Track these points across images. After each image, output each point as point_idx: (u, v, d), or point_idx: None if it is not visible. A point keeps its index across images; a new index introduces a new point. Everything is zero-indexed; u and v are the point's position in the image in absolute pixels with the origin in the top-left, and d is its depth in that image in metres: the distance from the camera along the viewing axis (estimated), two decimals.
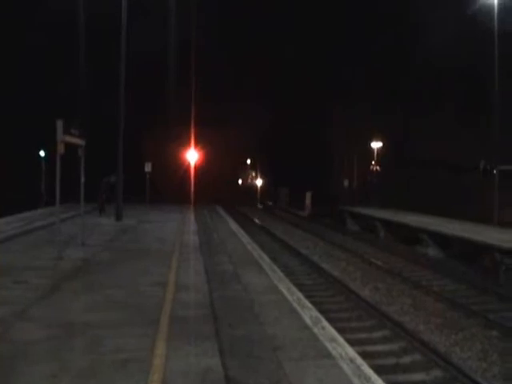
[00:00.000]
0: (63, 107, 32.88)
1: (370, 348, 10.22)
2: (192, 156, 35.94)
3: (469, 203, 27.64)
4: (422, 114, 39.03)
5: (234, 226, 25.76)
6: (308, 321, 8.82)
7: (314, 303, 10.81)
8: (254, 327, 8.33)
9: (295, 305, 9.96)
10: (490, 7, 27.09)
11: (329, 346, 7.55)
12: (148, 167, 30.81)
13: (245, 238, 20.86)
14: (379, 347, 10.49)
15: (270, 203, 56.48)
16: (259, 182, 63.60)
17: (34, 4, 41.24)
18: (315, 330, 8.29)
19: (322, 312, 10.02)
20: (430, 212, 29.19)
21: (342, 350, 7.45)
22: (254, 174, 71.96)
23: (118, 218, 24.48)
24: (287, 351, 7.21)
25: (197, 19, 43.89)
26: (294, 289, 11.65)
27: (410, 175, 35.75)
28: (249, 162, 75.72)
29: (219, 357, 6.81)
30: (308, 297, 11.61)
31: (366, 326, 11.98)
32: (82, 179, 15.95)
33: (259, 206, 53.71)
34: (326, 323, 8.83)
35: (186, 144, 36.64)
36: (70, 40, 40.20)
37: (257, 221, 34.38)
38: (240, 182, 76.61)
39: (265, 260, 15.49)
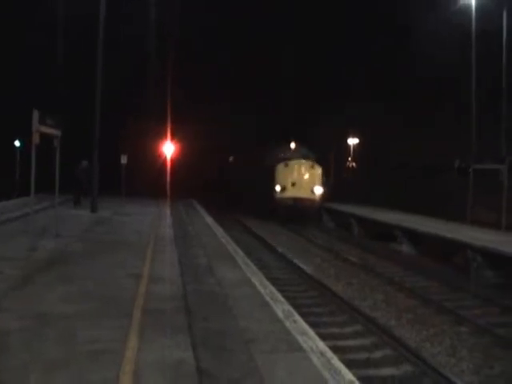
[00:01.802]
0: (40, 97, 32.61)
1: (341, 343, 10.33)
2: (169, 149, 35.76)
3: (446, 202, 27.91)
4: (400, 112, 39.51)
5: (208, 219, 25.76)
6: (280, 314, 8.89)
7: (286, 297, 10.87)
8: (227, 320, 8.37)
9: (268, 298, 10.02)
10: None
11: (300, 339, 7.63)
12: (124, 159, 30.61)
13: (219, 231, 20.87)
14: (350, 342, 10.60)
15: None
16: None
17: None
18: (287, 324, 8.36)
19: (294, 306, 10.09)
20: (407, 210, 29.46)
21: (313, 343, 7.53)
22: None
23: (93, 209, 24.32)
24: (259, 344, 7.27)
25: (179, 14, 43.59)
26: (266, 283, 11.70)
27: (387, 173, 35.98)
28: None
29: (192, 349, 6.86)
30: (281, 291, 11.67)
31: (338, 320, 12.09)
32: (57, 170, 15.86)
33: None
34: (298, 317, 8.92)
35: (164, 137, 36.45)
36: (47, 30, 39.98)
37: (232, 215, 34.27)
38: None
39: (239, 254, 15.53)
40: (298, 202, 30.48)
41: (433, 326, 11.84)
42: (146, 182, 37.13)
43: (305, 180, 31.20)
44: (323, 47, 47.78)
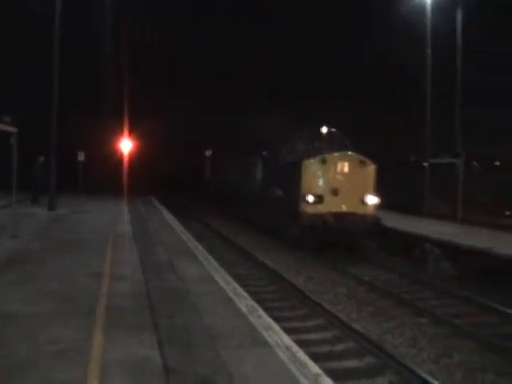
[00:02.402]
0: None
1: (304, 336, 10.41)
2: (127, 146, 35.43)
3: (404, 196, 28.34)
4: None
5: (168, 216, 25.62)
6: (244, 310, 8.93)
7: (249, 292, 10.90)
8: (191, 317, 8.36)
9: (231, 294, 10.04)
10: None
11: (265, 334, 7.68)
12: (81, 156, 30.27)
13: (179, 228, 20.79)
14: (313, 335, 10.69)
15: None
16: None
17: None
18: (251, 319, 8.40)
19: (257, 301, 10.13)
20: None
21: (278, 337, 7.59)
22: None
23: (51, 207, 24.00)
24: (225, 340, 7.30)
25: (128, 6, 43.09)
26: (229, 278, 11.72)
27: None
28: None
29: (157, 347, 6.85)
30: (243, 286, 11.71)
31: (300, 314, 12.19)
32: (14, 168, 15.59)
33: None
34: (261, 312, 8.97)
35: (122, 134, 36.06)
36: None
37: (192, 211, 34.17)
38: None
39: (199, 250, 15.50)
40: (342, 219, 19.59)
41: (394, 318, 12.04)
42: (105, 179, 36.73)
43: (353, 185, 20.00)
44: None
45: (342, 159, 20.07)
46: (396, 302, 13.34)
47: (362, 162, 20.26)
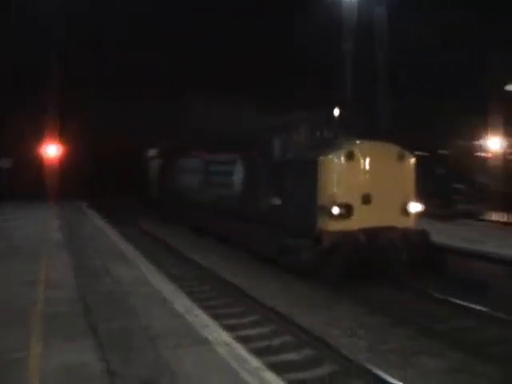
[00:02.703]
0: None
1: (242, 332, 10.53)
2: (54, 150, 34.77)
3: None
4: None
5: (99, 221, 25.29)
6: (181, 310, 9.02)
7: (186, 293, 10.99)
8: (129, 319, 8.40)
9: (167, 295, 10.11)
10: None
11: (203, 332, 7.79)
12: (5, 163, 29.57)
13: (112, 232, 20.62)
14: (251, 331, 10.82)
15: None
16: None
17: None
18: (189, 318, 8.50)
19: (194, 301, 10.23)
20: None
21: (217, 335, 7.72)
22: None
23: None
24: (164, 340, 7.38)
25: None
26: (165, 280, 11.77)
27: None
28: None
29: (97, 351, 6.86)
30: (180, 287, 11.77)
31: (238, 311, 12.29)
32: None
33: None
34: (198, 311, 9.08)
35: (50, 138, 35.32)
36: None
37: (126, 215, 33.42)
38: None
39: (133, 253, 15.45)
40: (377, 237, 13.77)
41: (331, 310, 12.28)
42: (33, 184, 35.83)
43: (391, 187, 14.47)
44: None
45: (376, 152, 14.44)
46: (334, 294, 13.55)
47: (401, 156, 14.71)
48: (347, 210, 13.62)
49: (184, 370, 6.32)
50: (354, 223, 13.62)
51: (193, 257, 18.56)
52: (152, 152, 36.74)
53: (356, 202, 13.81)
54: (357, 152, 14.03)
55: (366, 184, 14.08)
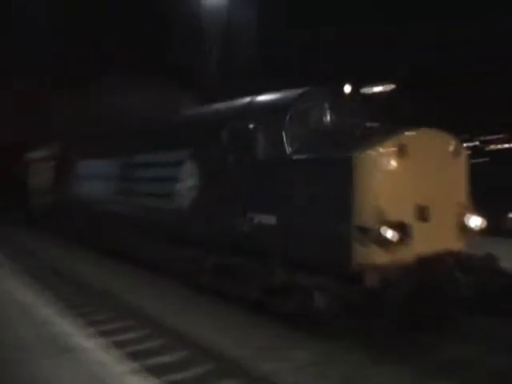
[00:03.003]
0: None
1: (116, 338, 10.18)
2: None
3: None
4: None
5: None
6: (45, 318, 8.65)
7: (52, 301, 10.56)
8: None
9: (31, 303, 9.69)
10: None
11: (71, 340, 7.48)
12: None
13: None
14: (124, 336, 10.48)
15: None
16: None
17: None
18: (55, 327, 8.15)
19: (59, 308, 9.90)
20: None
21: (87, 342, 7.43)
22: None
23: None
24: (31, 351, 7.03)
25: None
26: (27, 288, 11.30)
27: None
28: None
29: None
30: (42, 295, 11.31)
31: (108, 317, 11.87)
32: None
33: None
34: (64, 319, 8.73)
35: None
36: None
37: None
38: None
39: None
40: (434, 268, 9.03)
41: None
42: None
43: (447, 195, 9.82)
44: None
45: (433, 146, 9.84)
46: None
47: (458, 150, 10.19)
48: (403, 232, 8.85)
49: (58, 379, 6.07)
50: (411, 250, 8.99)
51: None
52: (38, 153, 29.41)
53: (411, 219, 9.15)
54: (411, 145, 9.24)
55: (422, 192, 9.48)
